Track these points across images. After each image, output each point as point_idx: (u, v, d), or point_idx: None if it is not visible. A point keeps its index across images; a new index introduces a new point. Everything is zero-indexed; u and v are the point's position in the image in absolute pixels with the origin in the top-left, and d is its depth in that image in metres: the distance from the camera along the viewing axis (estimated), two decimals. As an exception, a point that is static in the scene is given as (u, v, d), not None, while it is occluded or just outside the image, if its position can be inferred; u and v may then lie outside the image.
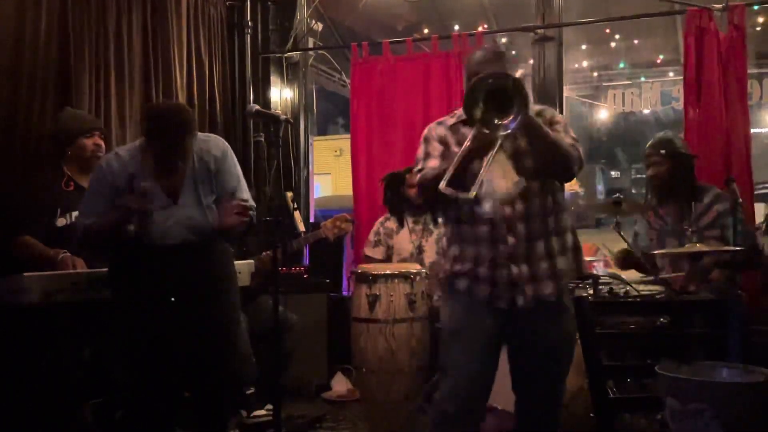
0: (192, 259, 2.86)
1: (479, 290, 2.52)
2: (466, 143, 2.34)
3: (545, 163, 2.46)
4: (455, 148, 2.52)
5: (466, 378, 2.53)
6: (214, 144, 2.98)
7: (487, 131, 2.25)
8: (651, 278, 3.79)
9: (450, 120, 2.67)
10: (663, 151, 3.76)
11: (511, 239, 2.48)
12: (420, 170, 2.59)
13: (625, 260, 3.91)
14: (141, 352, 2.80)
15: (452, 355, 2.57)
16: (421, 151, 2.65)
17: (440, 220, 2.89)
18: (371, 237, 4.63)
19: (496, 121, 2.24)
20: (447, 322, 2.65)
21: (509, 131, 2.24)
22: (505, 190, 2.40)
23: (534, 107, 2.55)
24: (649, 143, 3.91)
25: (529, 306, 2.48)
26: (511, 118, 2.22)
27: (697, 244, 3.29)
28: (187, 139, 2.83)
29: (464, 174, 2.39)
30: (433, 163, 2.55)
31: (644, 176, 4.07)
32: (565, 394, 2.74)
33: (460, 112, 2.60)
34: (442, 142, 2.61)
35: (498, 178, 2.38)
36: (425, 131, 2.69)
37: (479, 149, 2.33)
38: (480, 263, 2.52)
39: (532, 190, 2.49)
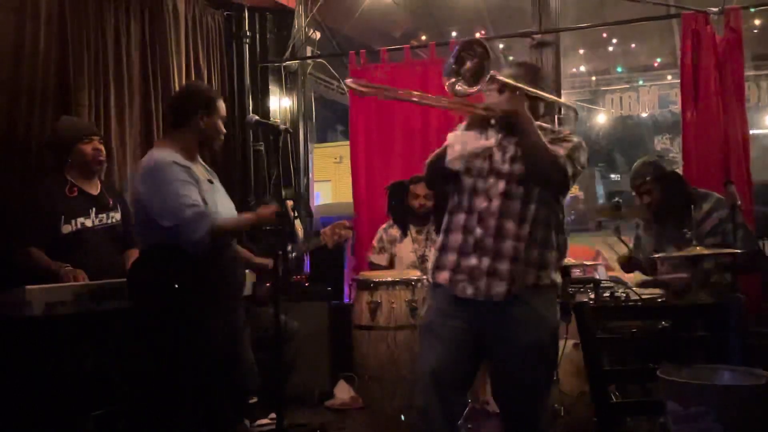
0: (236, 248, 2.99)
1: (441, 277, 2.56)
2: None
3: (528, 163, 2.48)
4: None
5: (431, 371, 2.50)
6: None
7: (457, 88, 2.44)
8: (650, 278, 3.81)
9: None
10: (648, 178, 3.75)
11: (479, 230, 2.49)
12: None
13: (629, 264, 3.91)
14: (217, 356, 2.76)
15: (422, 350, 2.60)
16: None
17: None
18: (375, 243, 4.63)
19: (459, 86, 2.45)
20: (422, 318, 2.73)
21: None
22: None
23: (550, 127, 2.68)
24: (633, 173, 3.87)
25: (477, 297, 2.46)
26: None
27: (698, 248, 3.30)
28: None
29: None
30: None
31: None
32: (549, 401, 2.74)
33: None
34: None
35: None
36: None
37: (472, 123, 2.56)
38: (448, 251, 2.57)
39: (513, 192, 2.49)
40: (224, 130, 2.98)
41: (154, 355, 2.79)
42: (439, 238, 2.64)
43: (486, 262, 2.47)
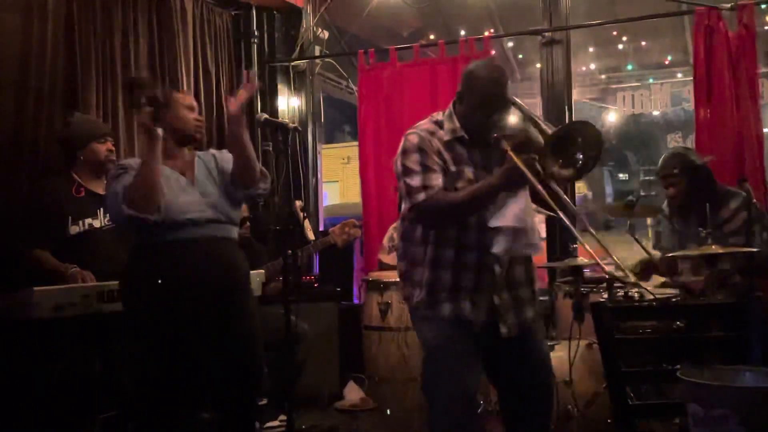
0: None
1: (463, 314, 2.44)
2: (498, 178, 2.28)
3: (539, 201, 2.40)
4: (453, 167, 2.44)
5: (467, 393, 2.47)
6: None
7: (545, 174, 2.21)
8: (666, 280, 3.74)
9: (441, 133, 2.51)
10: (676, 170, 3.68)
11: (497, 268, 2.45)
12: (425, 187, 2.38)
13: (646, 270, 3.83)
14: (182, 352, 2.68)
15: (445, 371, 2.47)
16: (414, 162, 2.42)
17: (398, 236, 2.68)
18: (385, 242, 4.60)
19: (554, 169, 2.22)
20: (431, 340, 2.52)
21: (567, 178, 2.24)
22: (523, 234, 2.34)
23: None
24: (661, 163, 3.80)
25: (512, 334, 2.46)
26: (571, 172, 2.23)
27: (713, 246, 3.24)
28: None
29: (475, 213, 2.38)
30: (437, 180, 2.40)
31: (653, 178, 3.99)
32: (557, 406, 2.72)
33: (450, 124, 2.52)
34: (440, 157, 2.45)
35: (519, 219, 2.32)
36: (415, 139, 2.47)
37: (511, 186, 2.28)
38: (461, 291, 2.45)
39: None
40: (190, 118, 2.86)
41: (141, 354, 2.77)
42: (428, 273, 2.46)
43: (506, 295, 2.45)
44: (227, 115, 2.89)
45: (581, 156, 2.23)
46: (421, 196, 2.37)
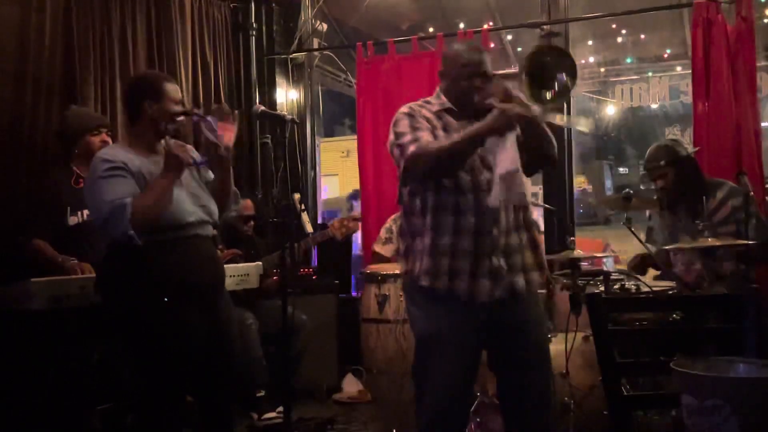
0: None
1: (459, 286, 2.44)
2: (487, 122, 2.29)
3: (534, 149, 2.44)
4: (440, 132, 2.49)
5: (451, 383, 2.48)
6: None
7: (539, 107, 2.22)
8: (660, 274, 3.75)
9: (431, 106, 2.58)
10: (662, 162, 3.70)
11: (495, 231, 2.44)
12: (414, 140, 2.42)
13: (641, 265, 3.84)
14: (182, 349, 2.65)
15: (433, 359, 2.49)
16: (405, 125, 2.48)
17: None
18: (382, 234, 4.60)
19: (547, 96, 2.23)
20: (424, 327, 2.54)
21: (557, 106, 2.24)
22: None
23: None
24: (648, 156, 3.82)
25: (504, 297, 2.45)
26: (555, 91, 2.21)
27: (709, 239, 3.25)
28: None
29: (466, 159, 2.39)
30: (426, 136, 2.44)
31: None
32: (554, 386, 2.73)
33: (438, 100, 2.59)
34: (429, 122, 2.51)
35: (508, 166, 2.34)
36: (404, 109, 2.55)
37: (500, 129, 2.29)
38: (460, 257, 2.44)
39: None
40: (171, 111, 2.75)
41: (125, 351, 2.76)
42: (429, 239, 2.46)
43: (502, 260, 2.45)
44: (221, 153, 2.75)
45: (560, 78, 2.27)
46: (412, 147, 2.42)
